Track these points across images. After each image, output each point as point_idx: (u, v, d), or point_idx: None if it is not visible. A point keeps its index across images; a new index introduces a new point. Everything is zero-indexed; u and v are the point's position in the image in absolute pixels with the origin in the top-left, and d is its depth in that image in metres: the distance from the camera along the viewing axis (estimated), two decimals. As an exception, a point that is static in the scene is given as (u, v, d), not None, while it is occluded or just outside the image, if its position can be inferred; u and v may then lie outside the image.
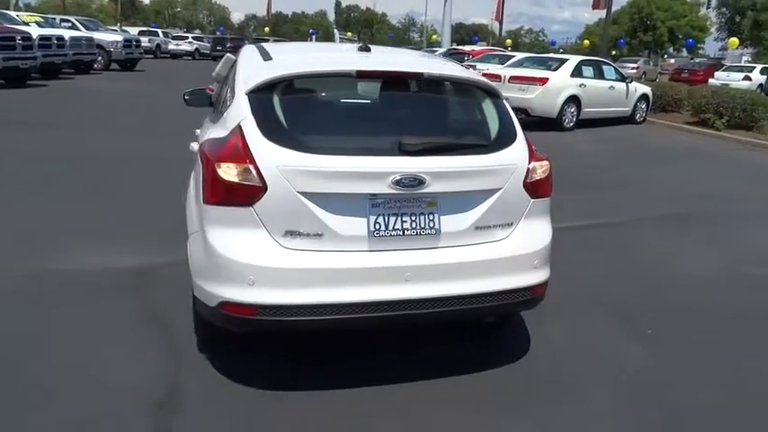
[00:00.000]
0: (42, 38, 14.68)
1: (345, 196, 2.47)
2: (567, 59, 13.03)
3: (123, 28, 35.43)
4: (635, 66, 34.55)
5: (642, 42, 50.00)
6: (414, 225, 2.55)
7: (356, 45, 3.15)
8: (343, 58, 3.02)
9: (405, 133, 2.57)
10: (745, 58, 45.99)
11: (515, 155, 2.70)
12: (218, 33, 56.44)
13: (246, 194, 2.43)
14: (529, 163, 2.73)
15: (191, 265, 2.70)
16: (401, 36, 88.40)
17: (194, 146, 3.36)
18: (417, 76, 2.85)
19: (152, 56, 33.26)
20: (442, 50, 30.55)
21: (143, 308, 3.48)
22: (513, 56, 16.72)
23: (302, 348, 3.06)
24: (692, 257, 4.88)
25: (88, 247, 4.35)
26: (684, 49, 46.52)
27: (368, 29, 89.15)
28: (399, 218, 2.53)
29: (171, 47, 38.10)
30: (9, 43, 13.00)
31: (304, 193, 2.43)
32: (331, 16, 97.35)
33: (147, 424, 2.45)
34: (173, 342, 3.10)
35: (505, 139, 2.74)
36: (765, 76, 24.56)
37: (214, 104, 3.76)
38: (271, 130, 2.49)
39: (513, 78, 12.30)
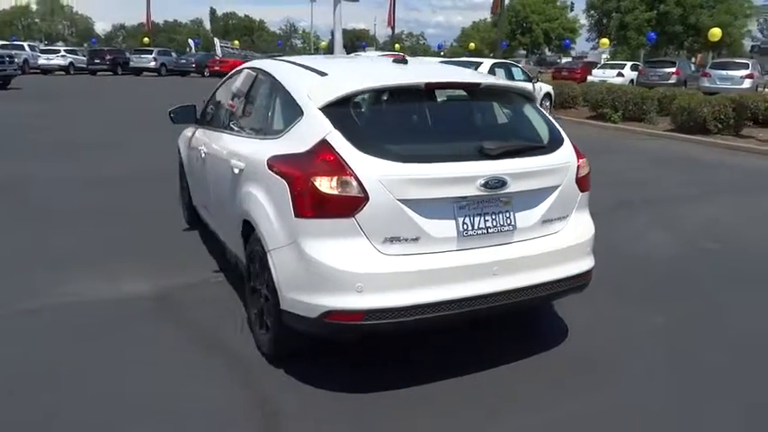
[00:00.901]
0: None
1: (438, 200, 2.64)
2: (481, 62, 13.81)
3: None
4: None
5: (521, 44, 53.51)
6: (494, 223, 2.77)
7: (377, 54, 3.31)
8: (400, 71, 3.17)
9: (481, 138, 2.79)
10: (604, 57, 50.95)
11: (568, 154, 3.00)
12: (90, 45, 52.29)
13: (348, 205, 2.53)
14: (577, 161, 3.04)
15: (279, 279, 2.72)
16: (285, 44, 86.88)
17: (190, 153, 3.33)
18: (475, 86, 3.08)
19: (20, 72, 30.46)
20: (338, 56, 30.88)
21: (185, 332, 3.40)
22: (479, 62, 17.35)
23: (348, 352, 3.16)
24: (649, 238, 5.49)
25: (81, 276, 4.13)
26: (547, 49, 50.66)
27: (248, 36, 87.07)
28: (482, 217, 2.74)
29: (41, 61, 34.04)
30: None
31: (403, 201, 2.57)
32: (207, 24, 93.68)
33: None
34: (238, 361, 3.08)
35: (557, 140, 3.04)
36: (636, 73, 27.24)
37: (236, 119, 3.73)
38: (361, 142, 2.60)
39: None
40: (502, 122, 3.07)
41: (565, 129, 3.12)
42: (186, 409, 2.66)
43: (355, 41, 72.91)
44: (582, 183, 3.06)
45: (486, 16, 66.05)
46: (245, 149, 3.26)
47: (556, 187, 2.93)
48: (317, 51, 58.88)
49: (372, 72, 3.16)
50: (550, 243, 2.93)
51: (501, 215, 2.78)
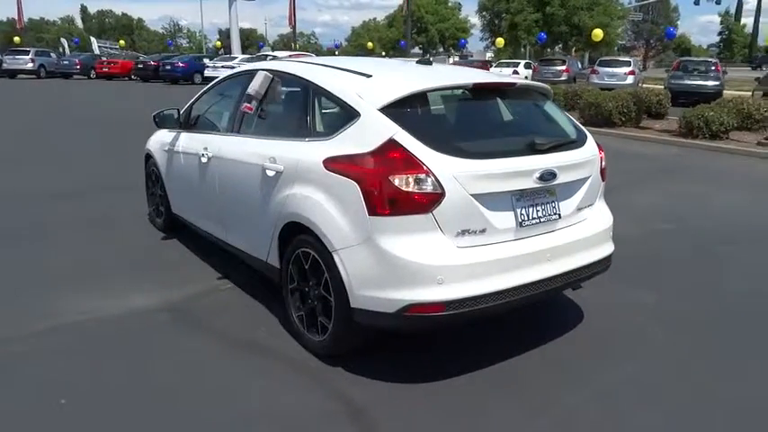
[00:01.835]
0: None
1: (500, 194, 2.81)
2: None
3: None
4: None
5: (417, 43, 55.03)
6: (544, 213, 2.99)
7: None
8: (439, 72, 3.30)
9: (528, 134, 3.00)
10: (489, 55, 54.06)
11: (594, 147, 3.29)
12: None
13: (427, 202, 2.63)
14: (600, 153, 3.34)
15: (350, 278, 2.76)
16: (163, 42, 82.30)
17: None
18: (512, 86, 3.28)
19: None
20: (241, 57, 30.13)
21: (218, 341, 3.32)
22: None
23: (402, 344, 3.28)
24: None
25: (82, 294, 3.89)
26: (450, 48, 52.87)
27: (128, 35, 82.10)
28: (534, 208, 2.95)
29: None
30: None
31: (474, 195, 2.71)
32: (80, 23, 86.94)
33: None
34: (290, 364, 3.08)
35: (583, 134, 3.32)
36: (530, 71, 29.01)
37: (257, 122, 3.67)
38: (429, 140, 2.71)
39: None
40: (538, 119, 3.29)
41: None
42: (272, 418, 2.64)
43: (244, 41, 71.17)
44: (603, 173, 3.36)
45: (375, 16, 67.18)
46: (281, 152, 3.24)
47: (587, 178, 3.20)
48: (212, 51, 56.76)
49: (415, 74, 3.27)
50: (584, 229, 3.19)
51: (549, 205, 3.01)
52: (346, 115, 2.96)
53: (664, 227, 5.76)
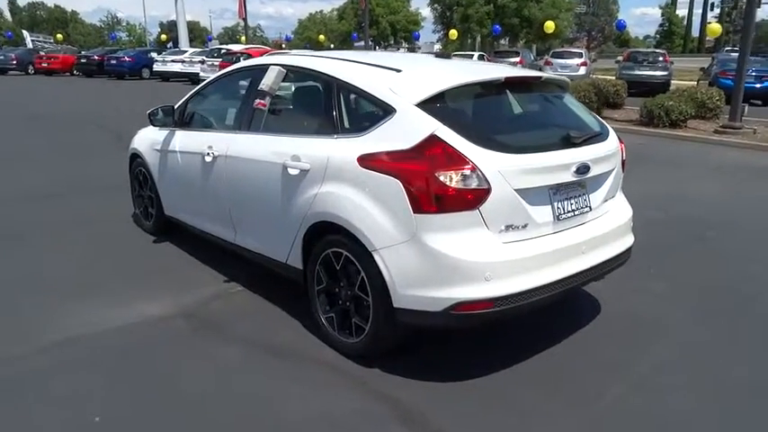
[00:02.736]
0: None
1: (540, 188, 2.81)
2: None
3: None
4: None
5: (369, 35, 54.68)
6: (577, 205, 3.00)
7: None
8: (466, 65, 3.26)
9: (560, 127, 3.01)
10: (436, 47, 54.60)
11: (616, 139, 3.32)
12: None
13: (474, 198, 2.60)
14: (621, 145, 3.38)
15: (393, 277, 2.70)
16: (101, 36, 78.70)
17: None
18: (538, 79, 3.28)
19: None
20: (191, 51, 29.24)
21: (242, 346, 3.20)
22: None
23: (428, 343, 3.26)
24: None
25: (90, 304, 3.69)
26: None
27: (62, 29, 78.26)
28: (568, 201, 2.96)
29: None
30: None
31: (518, 190, 2.70)
32: (8, 15, 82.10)
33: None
34: (328, 367, 3.00)
35: (605, 127, 3.35)
36: (483, 61, 29.40)
37: (273, 119, 3.54)
38: (470, 136, 2.67)
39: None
40: (565, 112, 3.29)
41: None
42: (318, 424, 2.56)
43: (188, 34, 69.12)
44: (623, 165, 3.41)
45: (321, 8, 66.50)
46: (305, 150, 3.13)
47: (612, 170, 3.24)
48: (154, 45, 54.89)
49: (444, 68, 3.22)
50: (609, 221, 3.22)
51: (581, 198, 3.03)
52: (379, 111, 2.89)
53: (654, 215, 5.93)
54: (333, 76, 3.19)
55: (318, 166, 3.03)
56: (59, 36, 49.31)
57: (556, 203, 2.89)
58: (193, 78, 24.66)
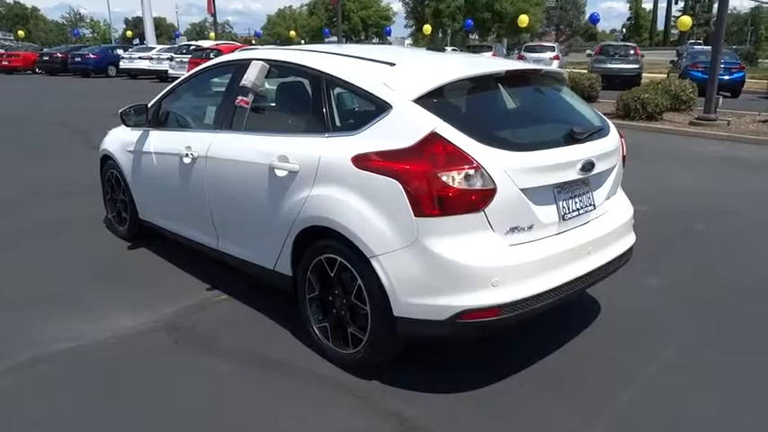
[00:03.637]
0: None
1: (545, 187, 2.67)
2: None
3: None
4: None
5: (341, 31, 54.29)
6: (581, 204, 2.87)
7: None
8: (462, 59, 3.09)
9: (563, 123, 2.87)
10: (407, 42, 54.61)
11: (617, 135, 3.20)
12: None
13: (480, 199, 2.44)
14: (621, 140, 3.26)
15: (393, 285, 2.53)
16: (63, 33, 76.04)
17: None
18: (538, 72, 3.13)
19: None
20: (159, 47, 28.53)
21: (232, 359, 3.00)
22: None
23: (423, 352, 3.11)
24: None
25: (63, 317, 3.44)
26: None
27: (22, 25, 75.51)
28: (573, 200, 2.83)
29: None
30: None
31: (523, 190, 2.55)
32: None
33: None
34: (322, 380, 2.82)
35: (605, 121, 3.22)
36: (457, 57, 29.37)
37: (257, 117, 3.33)
38: (473, 133, 2.51)
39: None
40: (565, 107, 3.16)
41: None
42: None
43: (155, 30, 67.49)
44: (624, 161, 3.30)
45: (290, 4, 65.80)
46: (293, 150, 2.93)
47: (614, 167, 3.12)
48: (119, 41, 53.46)
49: (440, 62, 3.05)
50: (612, 220, 3.10)
51: (585, 196, 2.90)
52: (374, 107, 2.71)
53: (638, 208, 5.85)
54: (322, 71, 2.99)
55: (308, 167, 2.84)
56: (20, 33, 47.65)
57: (561, 203, 2.75)
58: (162, 76, 24.07)
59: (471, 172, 2.43)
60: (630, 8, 77.81)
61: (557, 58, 23.80)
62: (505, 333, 3.18)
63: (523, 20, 24.88)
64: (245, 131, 3.34)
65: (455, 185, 2.41)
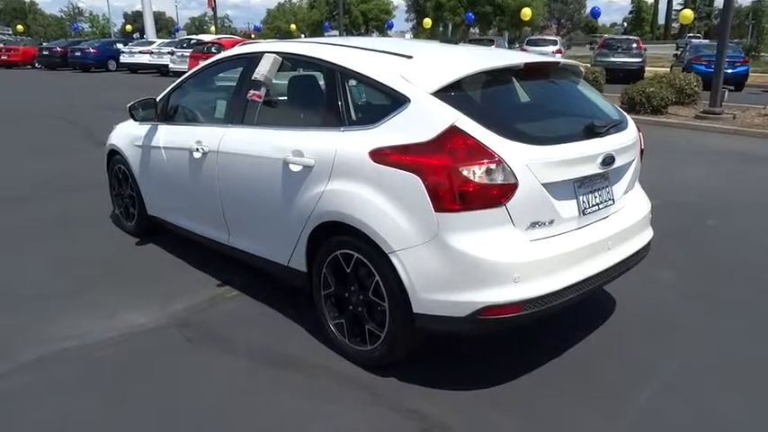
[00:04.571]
0: None
1: (566, 181, 2.62)
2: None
3: None
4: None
5: (342, 24, 54.11)
6: (601, 199, 2.83)
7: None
8: (479, 51, 3.04)
9: (584, 116, 2.82)
10: (407, 35, 54.47)
11: (635, 129, 3.16)
12: None
13: (501, 194, 2.40)
14: (639, 134, 3.22)
15: (412, 281, 2.49)
16: (62, 27, 75.45)
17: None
18: (556, 65, 3.08)
19: None
20: (159, 41, 28.39)
21: (248, 357, 2.96)
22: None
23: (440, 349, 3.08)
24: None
25: (70, 315, 3.40)
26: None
27: (21, 20, 74.96)
28: (592, 194, 2.78)
29: None
30: None
31: (545, 184, 2.51)
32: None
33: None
34: (340, 377, 2.78)
35: (623, 115, 3.18)
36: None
37: (269, 111, 3.28)
38: (494, 126, 2.47)
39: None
40: (583, 99, 3.11)
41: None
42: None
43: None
44: (642, 155, 3.25)
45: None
46: (308, 144, 2.89)
47: (633, 161, 3.08)
48: (118, 36, 53.20)
49: (457, 54, 3.00)
50: (631, 215, 3.06)
51: (604, 190, 2.86)
52: (391, 101, 2.66)
53: (651, 202, 5.82)
54: (337, 64, 2.94)
55: (324, 161, 2.79)
56: (19, 27, 47.44)
57: (581, 197, 2.71)
58: (162, 70, 23.98)
59: (493, 166, 2.38)
60: (633, 2, 77.50)
61: (559, 51, 23.65)
62: (521, 329, 3.16)
63: (526, 13, 24.74)
64: (257, 126, 3.29)
65: (476, 180, 2.37)
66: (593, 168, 2.70)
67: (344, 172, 2.71)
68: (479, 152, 2.39)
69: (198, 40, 21.92)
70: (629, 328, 3.28)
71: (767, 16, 35.70)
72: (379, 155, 2.56)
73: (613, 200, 2.91)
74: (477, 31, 43.13)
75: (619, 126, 2.98)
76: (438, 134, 2.45)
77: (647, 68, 20.54)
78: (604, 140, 2.77)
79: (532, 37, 25.49)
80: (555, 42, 24.50)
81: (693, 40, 28.43)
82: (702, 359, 2.98)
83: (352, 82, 2.90)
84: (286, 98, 3.38)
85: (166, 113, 4.11)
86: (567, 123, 2.89)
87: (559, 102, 3.09)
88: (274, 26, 69.69)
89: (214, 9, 32.98)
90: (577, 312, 3.42)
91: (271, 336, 3.18)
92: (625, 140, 2.93)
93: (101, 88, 19.03)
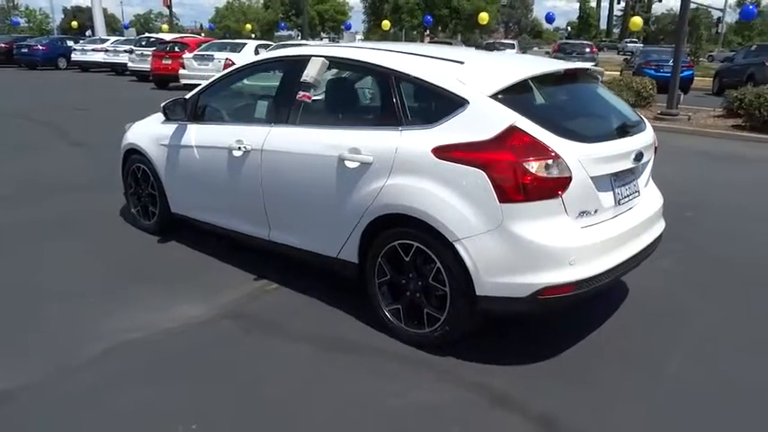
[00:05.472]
0: None
1: (606, 175, 2.94)
2: (245, 44, 14.53)
3: None
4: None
5: (297, 25, 53.92)
6: (630, 191, 3.16)
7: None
8: (515, 59, 3.31)
9: (616, 117, 3.16)
10: (358, 37, 55.02)
11: (650, 127, 3.52)
12: None
13: (559, 186, 2.69)
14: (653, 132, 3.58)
15: (477, 266, 2.74)
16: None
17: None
18: (586, 71, 3.40)
19: None
20: (114, 39, 27.65)
21: (307, 343, 3.14)
22: (245, 43, 16.97)
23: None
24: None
25: (117, 309, 3.50)
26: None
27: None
28: (624, 187, 3.11)
29: None
30: None
31: (592, 178, 2.81)
32: None
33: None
34: (402, 359, 3.00)
35: (640, 115, 3.53)
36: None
37: (322, 112, 3.48)
38: (548, 126, 2.75)
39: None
40: (609, 102, 3.44)
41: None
42: (428, 415, 2.58)
43: (89, 22, 64.93)
44: (655, 152, 3.62)
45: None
46: (366, 142, 3.10)
47: (651, 158, 3.44)
48: (60, 32, 51.29)
49: (504, 60, 3.28)
50: (650, 206, 3.40)
51: (632, 184, 3.19)
52: (449, 103, 2.91)
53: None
54: (391, 69, 3.16)
55: (384, 158, 3.01)
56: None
57: (616, 189, 3.03)
58: (119, 69, 23.40)
59: (551, 161, 2.67)
60: (580, 7, 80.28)
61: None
62: (570, 308, 3.42)
63: (484, 17, 25.52)
64: (305, 125, 3.46)
65: (538, 174, 2.64)
66: (628, 163, 3.03)
67: (406, 168, 2.93)
68: (538, 149, 2.67)
69: (157, 38, 21.47)
70: (635, 317, 3.57)
71: (705, 24, 37.79)
72: (443, 151, 2.81)
73: (639, 192, 3.25)
74: (428, 33, 43.84)
75: (641, 126, 3.33)
76: (499, 133, 2.72)
77: (600, 72, 21.47)
78: (634, 139, 3.11)
79: (490, 41, 26.26)
80: (512, 46, 25.26)
81: (628, 45, 29.77)
82: (709, 354, 3.23)
83: (406, 85, 3.12)
84: (336, 99, 3.57)
85: (195, 113, 4.21)
86: (603, 123, 3.22)
87: (592, 103, 3.41)
88: (224, 25, 68.60)
89: (170, 7, 32.39)
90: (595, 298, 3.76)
91: (322, 323, 3.36)
92: (648, 139, 3.28)
93: (56, 86, 18.50)
